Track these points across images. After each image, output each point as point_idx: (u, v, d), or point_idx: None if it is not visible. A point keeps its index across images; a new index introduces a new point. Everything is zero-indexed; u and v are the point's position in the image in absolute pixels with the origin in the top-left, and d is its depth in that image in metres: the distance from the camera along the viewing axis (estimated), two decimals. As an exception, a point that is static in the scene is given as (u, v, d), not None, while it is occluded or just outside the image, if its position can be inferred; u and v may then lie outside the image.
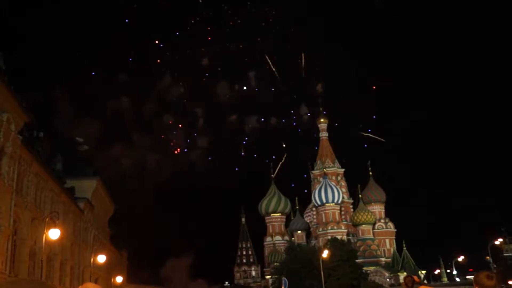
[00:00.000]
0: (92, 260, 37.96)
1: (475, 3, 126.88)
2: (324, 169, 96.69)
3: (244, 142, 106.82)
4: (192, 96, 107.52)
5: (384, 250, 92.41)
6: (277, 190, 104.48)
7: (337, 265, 59.00)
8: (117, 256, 57.05)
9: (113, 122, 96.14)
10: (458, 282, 75.76)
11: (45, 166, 29.94)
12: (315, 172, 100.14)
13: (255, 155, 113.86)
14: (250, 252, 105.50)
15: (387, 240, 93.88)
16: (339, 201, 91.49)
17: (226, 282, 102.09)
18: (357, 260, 68.04)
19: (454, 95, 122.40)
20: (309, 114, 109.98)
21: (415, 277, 9.90)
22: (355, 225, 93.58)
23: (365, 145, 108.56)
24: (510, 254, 67.20)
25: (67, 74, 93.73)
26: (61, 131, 52.72)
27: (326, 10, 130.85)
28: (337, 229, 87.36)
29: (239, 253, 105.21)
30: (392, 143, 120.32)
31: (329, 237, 73.96)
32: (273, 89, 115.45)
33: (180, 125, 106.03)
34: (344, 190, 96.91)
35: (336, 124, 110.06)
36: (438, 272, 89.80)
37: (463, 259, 74.50)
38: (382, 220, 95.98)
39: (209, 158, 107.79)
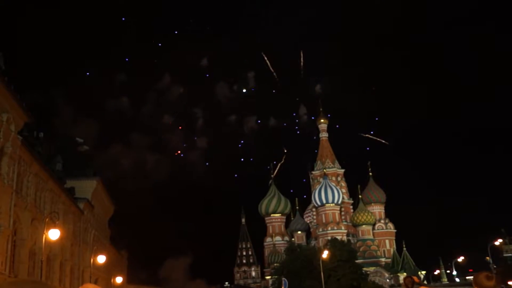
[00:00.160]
0: (92, 260, 37.92)
1: (477, 3, 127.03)
2: (324, 170, 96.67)
3: (240, 145, 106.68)
4: (192, 97, 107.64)
5: (384, 251, 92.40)
6: (277, 191, 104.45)
7: (337, 266, 58.94)
8: (117, 257, 57.03)
9: (113, 123, 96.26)
10: (458, 282, 75.77)
11: (45, 167, 29.93)
12: (315, 172, 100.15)
13: (254, 156, 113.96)
14: (250, 253, 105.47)
15: (387, 241, 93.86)
16: (339, 202, 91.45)
17: (226, 283, 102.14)
18: (357, 261, 67.94)
19: (454, 95, 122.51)
20: (308, 115, 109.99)
21: (415, 278, 9.88)
22: (355, 225, 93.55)
23: (367, 148, 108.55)
24: (510, 254, 67.28)
25: (67, 75, 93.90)
26: (61, 132, 52.79)
27: (326, 10, 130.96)
28: (337, 229, 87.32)
29: (239, 253, 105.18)
30: (392, 143, 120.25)
31: (329, 238, 73.88)
32: (273, 90, 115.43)
33: (180, 126, 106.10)
34: (344, 190, 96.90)
35: (337, 126, 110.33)
36: (438, 273, 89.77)
37: (463, 259, 74.46)
38: (382, 221, 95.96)
39: (209, 159, 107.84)
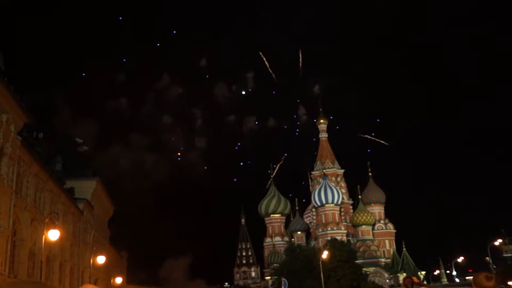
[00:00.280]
0: (91, 261, 37.92)
1: (476, 3, 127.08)
2: (324, 170, 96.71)
3: (239, 146, 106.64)
4: (191, 97, 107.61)
5: (383, 251, 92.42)
6: (276, 191, 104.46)
7: (337, 266, 58.93)
8: (117, 257, 57.01)
9: (112, 123, 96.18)
10: (457, 283, 75.86)
11: (44, 167, 29.91)
12: (315, 173, 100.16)
13: (254, 156, 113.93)
14: (249, 253, 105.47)
15: (386, 241, 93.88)
16: (339, 202, 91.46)
17: (226, 283, 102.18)
18: (356, 261, 67.94)
19: (454, 95, 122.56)
20: (307, 115, 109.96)
21: (415, 278, 9.88)
22: (355, 226, 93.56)
23: (368, 149, 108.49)
24: (509, 254, 67.31)
25: (66, 75, 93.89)
26: (60, 132, 52.68)
27: (326, 10, 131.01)
28: (337, 230, 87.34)
29: (238, 254, 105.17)
30: (392, 143, 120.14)
31: (329, 238, 73.88)
32: (273, 90, 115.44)
33: (179, 126, 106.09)
34: (343, 191, 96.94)
35: (338, 127, 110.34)
36: (438, 273, 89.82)
37: (462, 260, 74.52)
38: (382, 221, 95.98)
39: (208, 159, 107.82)
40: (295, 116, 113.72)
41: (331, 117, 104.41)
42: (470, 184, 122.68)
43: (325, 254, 50.64)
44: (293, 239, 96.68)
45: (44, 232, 23.50)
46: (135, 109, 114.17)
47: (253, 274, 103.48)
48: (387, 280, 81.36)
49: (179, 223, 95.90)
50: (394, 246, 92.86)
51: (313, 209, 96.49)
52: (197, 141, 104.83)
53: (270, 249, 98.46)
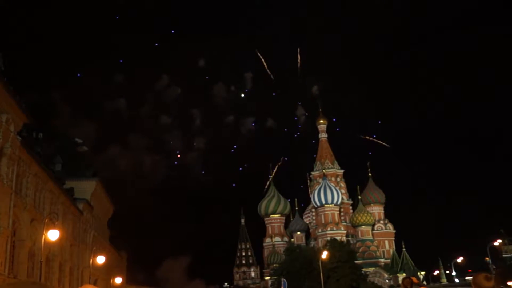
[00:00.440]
0: (91, 261, 37.88)
1: (477, 3, 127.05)
2: (324, 170, 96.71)
3: (239, 146, 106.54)
4: (190, 97, 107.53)
5: (383, 251, 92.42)
6: (276, 191, 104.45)
7: (337, 266, 58.93)
8: (116, 257, 56.98)
9: (112, 123, 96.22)
10: (457, 283, 75.87)
11: (44, 167, 29.90)
12: (315, 173, 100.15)
13: (254, 156, 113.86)
14: (249, 253, 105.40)
15: (386, 241, 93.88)
16: (339, 202, 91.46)
17: (226, 283, 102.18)
18: (356, 261, 67.98)
19: (454, 95, 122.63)
20: (307, 115, 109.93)
21: (414, 279, 9.87)
22: (355, 226, 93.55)
23: (369, 151, 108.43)
24: (509, 255, 67.33)
25: (66, 75, 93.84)
26: (60, 132, 52.64)
27: (326, 10, 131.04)
28: (337, 230, 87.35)
29: (238, 254, 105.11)
30: (392, 144, 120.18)
31: (329, 238, 73.89)
32: (272, 90, 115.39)
33: (178, 126, 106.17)
34: (343, 191, 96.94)
35: (338, 129, 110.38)
36: (437, 273, 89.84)
37: (462, 260, 74.57)
38: (382, 221, 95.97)
39: (208, 159, 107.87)
40: (295, 118, 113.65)
41: (331, 117, 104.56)
42: (470, 184, 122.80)
43: (324, 255, 50.66)
44: (292, 240, 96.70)
45: (44, 232, 23.48)
46: (135, 110, 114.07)
47: (252, 274, 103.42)
48: (387, 281, 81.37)
49: (179, 223, 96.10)
50: (394, 247, 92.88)
51: (313, 209, 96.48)
52: (196, 141, 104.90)
53: (270, 249, 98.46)
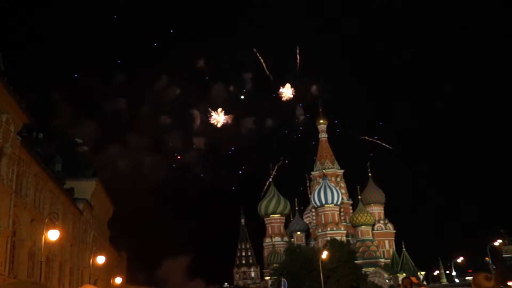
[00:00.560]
0: (91, 261, 37.89)
1: (477, 3, 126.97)
2: (324, 170, 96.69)
3: (239, 146, 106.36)
4: (190, 97, 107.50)
5: (383, 251, 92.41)
6: (276, 191, 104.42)
7: (337, 266, 58.93)
8: (116, 257, 56.98)
9: (112, 123, 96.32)
10: (457, 283, 75.86)
11: (44, 167, 29.90)
12: (315, 173, 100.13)
13: (254, 156, 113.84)
14: (249, 253, 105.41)
15: (386, 241, 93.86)
16: (339, 202, 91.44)
17: (226, 283, 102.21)
18: (356, 261, 67.97)
19: (454, 95, 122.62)
20: (307, 116, 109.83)
21: (413, 279, 9.85)
22: (355, 226, 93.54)
23: (370, 151, 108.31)
24: (509, 255, 67.30)
25: (66, 75, 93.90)
26: (60, 132, 52.72)
27: (326, 10, 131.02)
28: (337, 230, 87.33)
29: (238, 254, 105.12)
30: (392, 144, 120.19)
31: (329, 238, 73.89)
32: (271, 91, 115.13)
33: (178, 126, 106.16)
34: (343, 191, 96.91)
35: (338, 130, 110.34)
36: (438, 273, 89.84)
37: (462, 260, 74.60)
38: (382, 221, 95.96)
39: (208, 159, 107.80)
40: (296, 120, 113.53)
41: (331, 117, 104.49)
42: (470, 184, 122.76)
43: (324, 255, 50.67)
44: (292, 239, 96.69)
45: (44, 232, 23.49)
46: (135, 110, 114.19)
47: (252, 274, 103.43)
48: (387, 281, 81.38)
49: (179, 223, 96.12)
50: (394, 246, 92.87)
51: (313, 209, 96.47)
52: (196, 141, 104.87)
53: (270, 249, 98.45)
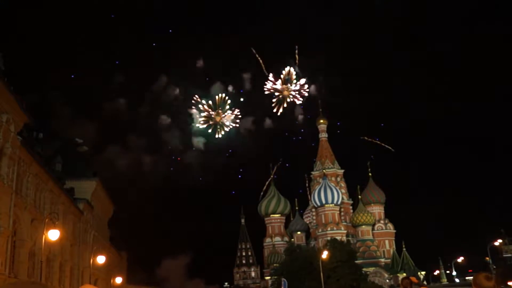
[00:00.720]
0: (91, 261, 37.93)
1: (477, 3, 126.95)
2: (324, 170, 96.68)
3: (239, 146, 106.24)
4: (189, 97, 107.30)
5: (383, 251, 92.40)
6: (276, 191, 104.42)
7: (337, 266, 58.96)
8: (117, 257, 57.02)
9: (112, 123, 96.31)
10: (457, 283, 75.85)
11: (44, 167, 29.93)
12: (315, 173, 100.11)
13: (254, 156, 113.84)
14: (249, 253, 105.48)
15: (386, 241, 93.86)
16: (339, 202, 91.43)
17: (226, 283, 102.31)
18: (356, 261, 67.99)
19: (454, 95, 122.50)
20: (307, 115, 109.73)
21: (413, 279, 9.86)
22: (355, 226, 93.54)
23: (371, 153, 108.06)
24: (509, 255, 67.30)
25: (66, 75, 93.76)
26: (60, 132, 52.66)
27: (326, 9, 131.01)
28: (337, 230, 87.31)
29: (238, 254, 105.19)
30: (392, 143, 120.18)
31: (329, 238, 73.88)
32: (271, 91, 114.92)
33: (178, 126, 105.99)
34: (343, 191, 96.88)
35: (338, 131, 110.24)
36: (438, 273, 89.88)
37: (462, 260, 74.62)
38: (382, 221, 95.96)
39: (208, 159, 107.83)
40: (291, 115, 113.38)
41: (331, 117, 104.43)
42: (470, 184, 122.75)
43: (325, 254, 50.69)
44: (293, 239, 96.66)
45: (44, 232, 23.51)
46: (135, 110, 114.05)
47: (253, 274, 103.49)
48: (387, 280, 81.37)
49: (179, 223, 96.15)
50: (394, 246, 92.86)
51: (313, 209, 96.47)
52: (196, 141, 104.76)
53: (270, 249, 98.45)
